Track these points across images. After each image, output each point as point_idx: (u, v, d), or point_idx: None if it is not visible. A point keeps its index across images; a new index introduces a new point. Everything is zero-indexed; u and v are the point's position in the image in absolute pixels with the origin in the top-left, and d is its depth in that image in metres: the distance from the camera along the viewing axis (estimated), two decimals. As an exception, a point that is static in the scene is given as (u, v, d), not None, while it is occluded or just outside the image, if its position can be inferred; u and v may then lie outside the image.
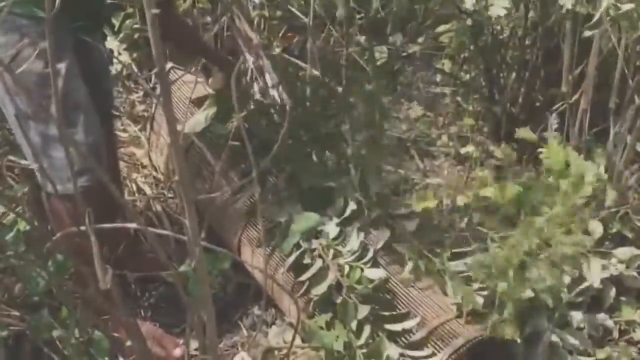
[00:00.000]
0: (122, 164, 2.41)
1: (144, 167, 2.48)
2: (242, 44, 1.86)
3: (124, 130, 2.58)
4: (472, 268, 1.70)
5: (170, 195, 2.38)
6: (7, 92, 1.47)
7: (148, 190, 2.40)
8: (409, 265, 1.72)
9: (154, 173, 2.44)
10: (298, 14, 2.40)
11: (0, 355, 1.46)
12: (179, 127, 1.10)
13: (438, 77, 2.83)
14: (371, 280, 1.66)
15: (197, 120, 1.70)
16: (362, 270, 1.68)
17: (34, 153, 1.48)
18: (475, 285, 1.74)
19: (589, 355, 1.80)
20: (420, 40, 2.64)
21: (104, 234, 1.12)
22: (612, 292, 1.93)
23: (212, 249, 1.24)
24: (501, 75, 2.68)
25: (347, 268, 1.70)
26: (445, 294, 1.74)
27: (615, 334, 1.91)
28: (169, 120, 0.97)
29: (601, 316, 1.88)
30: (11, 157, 1.47)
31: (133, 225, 1.23)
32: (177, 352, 1.80)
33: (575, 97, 1.97)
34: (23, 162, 1.37)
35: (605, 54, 1.92)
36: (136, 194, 2.37)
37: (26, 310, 1.54)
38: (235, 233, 1.96)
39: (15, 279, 1.48)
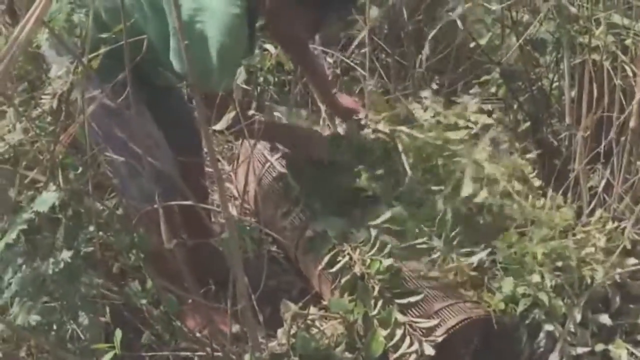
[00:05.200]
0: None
1: (235, 199, 3.01)
2: None
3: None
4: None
5: (254, 220, 2.87)
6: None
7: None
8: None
9: (244, 204, 2.96)
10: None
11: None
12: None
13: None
14: (387, 269, 2.04)
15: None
16: (380, 262, 2.07)
17: (119, 174, 2.00)
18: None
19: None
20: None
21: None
22: (618, 297, 2.15)
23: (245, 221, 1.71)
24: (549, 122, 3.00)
25: (368, 261, 2.10)
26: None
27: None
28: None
29: (603, 317, 2.11)
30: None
31: (189, 202, 1.70)
32: None
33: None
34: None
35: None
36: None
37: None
38: (293, 244, 2.42)
39: (114, 256, 2.00)
